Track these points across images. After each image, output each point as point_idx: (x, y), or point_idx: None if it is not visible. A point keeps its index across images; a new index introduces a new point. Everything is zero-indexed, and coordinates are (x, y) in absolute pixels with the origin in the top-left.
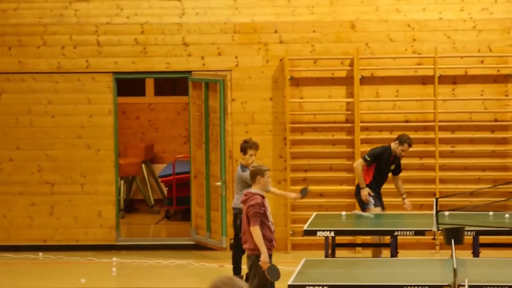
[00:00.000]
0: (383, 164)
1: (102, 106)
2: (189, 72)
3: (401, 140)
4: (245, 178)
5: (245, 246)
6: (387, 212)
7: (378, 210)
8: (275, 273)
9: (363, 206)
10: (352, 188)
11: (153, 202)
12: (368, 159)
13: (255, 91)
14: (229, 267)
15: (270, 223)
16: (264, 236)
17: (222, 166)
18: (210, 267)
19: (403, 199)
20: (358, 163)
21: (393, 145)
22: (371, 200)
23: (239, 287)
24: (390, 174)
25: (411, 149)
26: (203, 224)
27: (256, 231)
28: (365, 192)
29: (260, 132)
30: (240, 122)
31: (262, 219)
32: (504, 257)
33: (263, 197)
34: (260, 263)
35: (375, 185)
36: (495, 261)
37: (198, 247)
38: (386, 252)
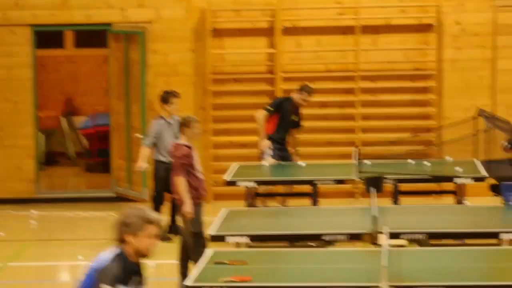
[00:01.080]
0: (285, 115)
1: (20, 59)
2: (110, 24)
3: (301, 89)
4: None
5: (174, 195)
6: (308, 161)
7: (272, 161)
8: (197, 224)
9: (263, 157)
10: None
11: (73, 155)
12: (270, 108)
13: (176, 42)
14: None
15: (197, 172)
16: (190, 185)
17: (143, 118)
18: None
19: (297, 155)
20: (261, 113)
21: (294, 94)
22: (268, 151)
23: (149, 215)
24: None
25: (331, 99)
26: (124, 176)
27: (179, 181)
28: (265, 143)
29: (182, 84)
30: (161, 74)
31: (189, 169)
32: (423, 204)
33: (190, 147)
34: (183, 212)
35: (279, 137)
36: (415, 208)
37: (119, 199)
38: (307, 201)
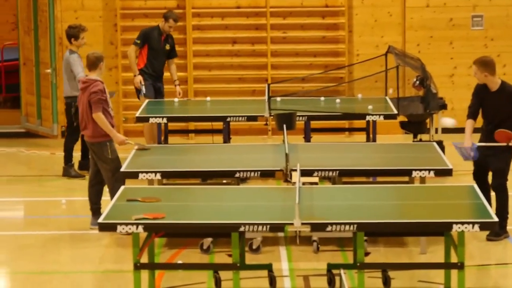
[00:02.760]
0: (155, 45)
1: None
2: None
3: (166, 16)
4: (72, 62)
5: (85, 133)
6: (219, 97)
7: (144, 99)
8: (116, 160)
9: (138, 94)
10: (183, 74)
11: None
12: (138, 41)
13: None
14: (60, 154)
15: (110, 109)
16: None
17: (52, 53)
18: (41, 154)
19: (176, 85)
20: (131, 49)
21: (161, 23)
22: (142, 88)
23: None
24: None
25: (242, 35)
26: (34, 112)
27: (100, 118)
28: (137, 79)
29: (91, 18)
30: (69, 8)
31: (104, 105)
32: (334, 141)
33: (102, 83)
34: (116, 145)
35: (151, 69)
36: (326, 146)
37: (29, 134)
38: (219, 138)
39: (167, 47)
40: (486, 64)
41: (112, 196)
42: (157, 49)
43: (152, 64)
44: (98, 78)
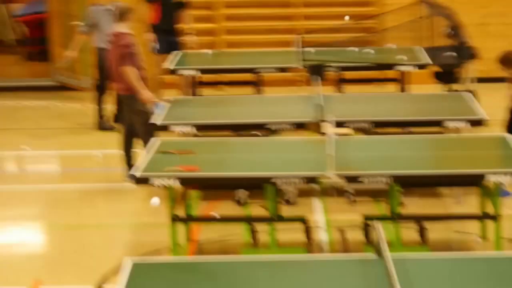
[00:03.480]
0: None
1: None
2: None
3: None
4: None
5: (117, 85)
6: (250, 49)
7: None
8: (147, 113)
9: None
10: (213, 25)
11: (13, 43)
12: None
13: None
14: (93, 107)
15: (142, 61)
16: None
17: (81, 4)
18: (73, 107)
19: (189, 34)
20: (141, 4)
21: None
22: (156, 45)
23: None
24: None
25: None
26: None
27: (127, 72)
28: (148, 37)
29: None
30: None
31: (133, 58)
32: (367, 92)
33: (133, 35)
34: (145, 101)
35: (165, 24)
36: (359, 97)
37: (61, 88)
38: (250, 90)
39: None
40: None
41: (145, 147)
42: (168, 3)
43: (165, 19)
44: (128, 31)
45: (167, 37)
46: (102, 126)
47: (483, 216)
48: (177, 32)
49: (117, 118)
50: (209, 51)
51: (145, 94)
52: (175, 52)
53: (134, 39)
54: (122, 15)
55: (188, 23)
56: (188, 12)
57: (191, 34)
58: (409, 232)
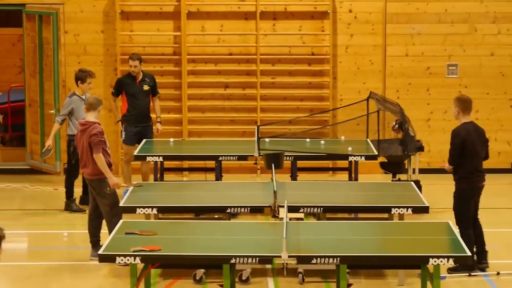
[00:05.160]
0: (131, 89)
1: None
2: (23, 5)
3: (129, 58)
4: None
5: (85, 171)
6: (212, 138)
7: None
8: (114, 195)
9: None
10: (179, 116)
11: None
12: (113, 91)
13: (87, 24)
14: (62, 190)
15: (108, 148)
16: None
17: (56, 94)
18: (44, 190)
19: (157, 122)
20: (110, 98)
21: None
22: (122, 134)
23: None
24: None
25: (234, 80)
26: (38, 150)
27: (100, 159)
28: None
29: (92, 63)
30: (72, 53)
31: (103, 146)
32: (319, 179)
33: (100, 125)
34: (111, 186)
35: (134, 113)
36: (311, 184)
37: (33, 171)
38: (211, 176)
39: (145, 87)
40: (459, 101)
41: (110, 229)
42: (134, 93)
43: (134, 107)
44: (96, 120)
45: (135, 126)
46: (70, 207)
47: None
48: (146, 121)
49: (84, 200)
50: (171, 139)
51: (112, 179)
52: (144, 141)
53: (101, 127)
54: (92, 105)
55: (158, 112)
56: (158, 101)
57: (159, 123)
58: None
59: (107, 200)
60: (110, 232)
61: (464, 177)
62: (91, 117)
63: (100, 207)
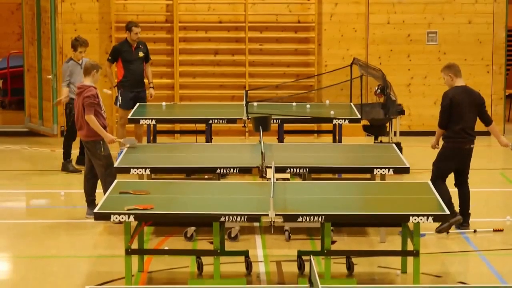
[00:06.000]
0: (127, 56)
1: None
2: None
3: (128, 27)
4: (65, 69)
5: (80, 133)
6: (203, 102)
7: (124, 109)
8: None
9: (116, 102)
10: (170, 81)
11: None
12: (109, 57)
13: None
14: (60, 151)
15: (103, 111)
16: (100, 124)
17: (53, 61)
18: (42, 151)
19: (150, 87)
20: (105, 65)
21: (127, 35)
22: (119, 99)
23: None
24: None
25: (223, 46)
26: (36, 113)
27: (92, 119)
28: (107, 92)
29: (88, 30)
30: (69, 21)
31: (97, 108)
32: (305, 141)
33: (96, 88)
34: (108, 143)
35: (130, 78)
36: (297, 146)
37: (32, 133)
38: (202, 138)
39: (140, 54)
40: (449, 67)
41: (104, 189)
42: (130, 59)
43: (129, 73)
44: (92, 84)
45: (131, 91)
46: (67, 168)
47: (405, 253)
48: (141, 86)
49: (80, 160)
50: (163, 103)
51: (107, 137)
52: (137, 105)
53: (96, 91)
54: (87, 70)
55: (150, 77)
56: (150, 67)
57: (152, 88)
58: (339, 266)
59: (102, 161)
60: (104, 191)
61: (449, 137)
62: (87, 81)
63: (95, 167)
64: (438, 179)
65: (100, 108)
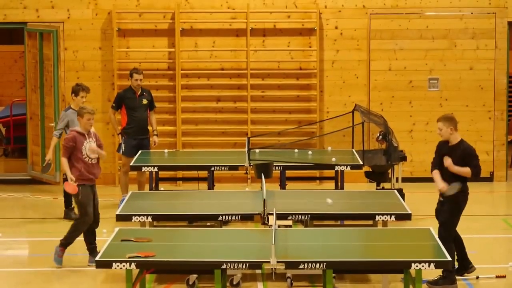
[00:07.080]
0: (131, 103)
1: None
2: (25, 23)
3: (130, 74)
4: (62, 117)
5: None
6: (205, 149)
7: (127, 157)
8: (83, 203)
9: (119, 149)
10: (173, 128)
11: None
12: (113, 104)
13: (85, 41)
14: (61, 199)
15: (83, 156)
16: (76, 168)
17: (56, 108)
18: (44, 199)
19: (154, 135)
20: (109, 111)
21: (130, 82)
22: (122, 146)
23: None
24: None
25: (225, 93)
26: (39, 161)
27: (61, 162)
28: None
29: (90, 78)
30: (72, 69)
31: (76, 153)
32: (307, 188)
33: (81, 134)
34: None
35: (134, 125)
36: (299, 192)
37: (34, 181)
38: (204, 185)
39: (144, 101)
40: (451, 120)
41: (69, 232)
42: (134, 107)
43: (133, 120)
44: (76, 129)
45: (134, 139)
46: (69, 216)
47: None
48: (145, 133)
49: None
50: (166, 150)
51: (69, 177)
52: (139, 152)
53: (74, 134)
54: (77, 114)
55: (154, 125)
56: (154, 114)
57: (155, 136)
58: None
59: (78, 207)
60: (68, 235)
61: (465, 191)
62: (78, 126)
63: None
64: (450, 233)
65: (80, 153)
